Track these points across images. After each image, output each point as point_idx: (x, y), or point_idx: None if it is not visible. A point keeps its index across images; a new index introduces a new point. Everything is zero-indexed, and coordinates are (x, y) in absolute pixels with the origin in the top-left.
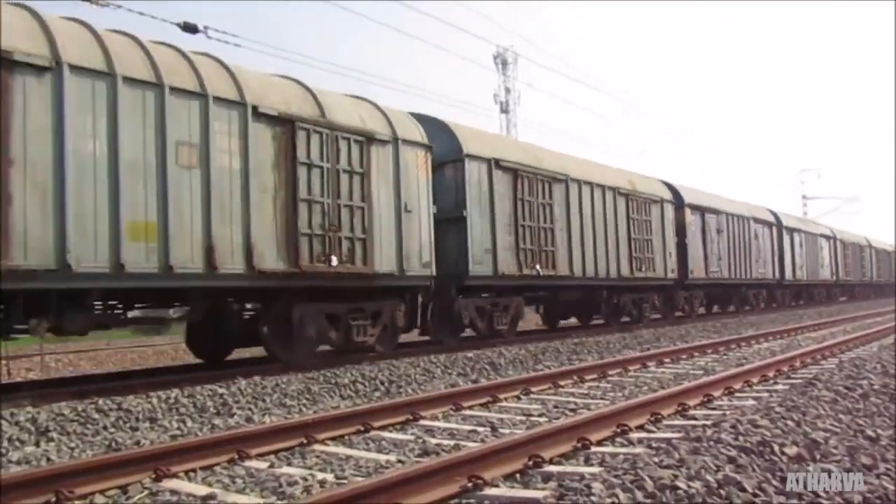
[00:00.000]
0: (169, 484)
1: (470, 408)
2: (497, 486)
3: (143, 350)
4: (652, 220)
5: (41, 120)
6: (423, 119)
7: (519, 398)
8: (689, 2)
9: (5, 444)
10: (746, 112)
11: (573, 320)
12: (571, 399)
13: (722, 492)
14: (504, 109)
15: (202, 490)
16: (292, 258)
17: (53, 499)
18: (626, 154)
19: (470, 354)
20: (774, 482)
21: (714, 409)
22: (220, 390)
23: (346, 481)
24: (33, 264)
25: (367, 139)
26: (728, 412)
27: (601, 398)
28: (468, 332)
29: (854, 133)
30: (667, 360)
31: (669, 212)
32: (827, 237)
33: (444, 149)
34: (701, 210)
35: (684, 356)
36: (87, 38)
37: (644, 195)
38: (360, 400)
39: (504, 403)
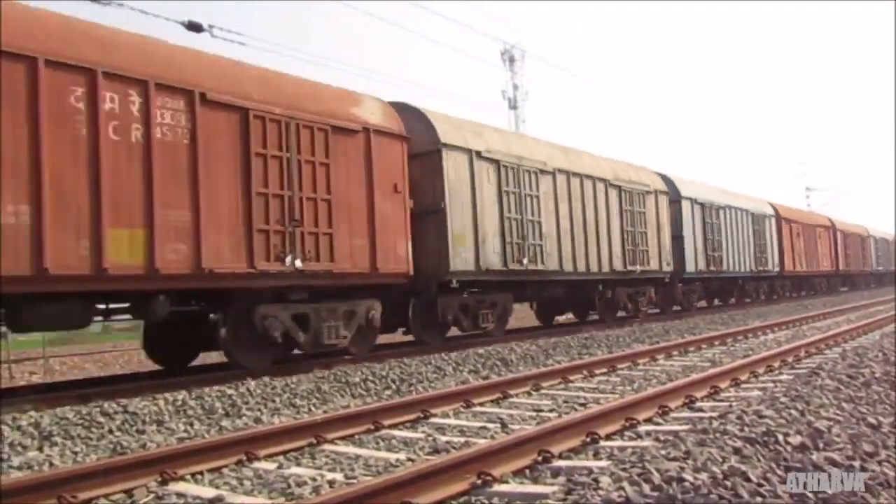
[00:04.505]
0: (176, 487)
1: (481, 404)
2: (506, 482)
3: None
4: (764, 231)
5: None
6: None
7: (529, 394)
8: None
9: (6, 449)
10: (745, 105)
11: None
12: (581, 393)
13: (727, 483)
14: (512, 106)
15: (209, 492)
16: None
17: None
18: (630, 150)
19: (481, 351)
20: (779, 472)
21: (721, 400)
22: (229, 391)
23: (355, 481)
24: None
25: (652, 192)
26: (734, 403)
27: (610, 392)
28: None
29: (850, 123)
30: (675, 352)
31: (773, 223)
32: (864, 236)
33: (673, 194)
34: (791, 221)
35: (692, 348)
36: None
37: (759, 213)
38: (371, 398)
39: (514, 399)
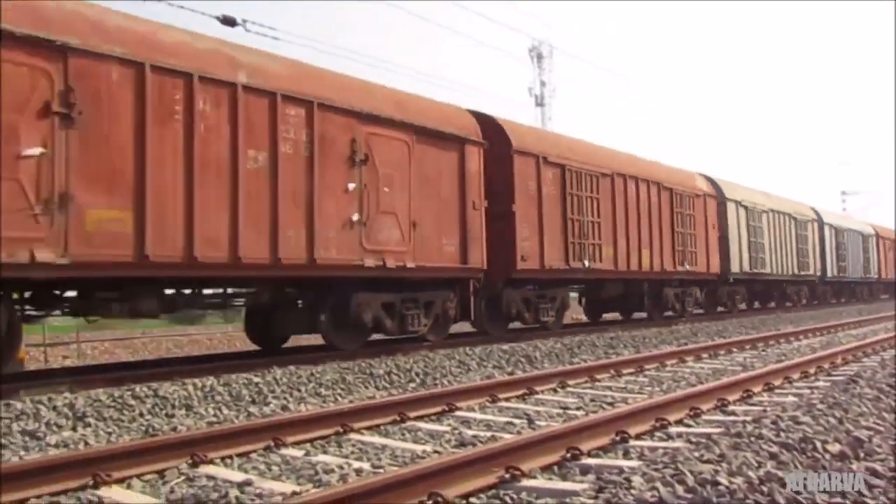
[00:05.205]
0: (205, 469)
1: (506, 400)
2: (535, 477)
3: (179, 339)
4: (869, 247)
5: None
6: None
7: (555, 391)
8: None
9: (43, 427)
10: (779, 106)
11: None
12: (609, 392)
13: (764, 488)
14: (539, 103)
15: (238, 476)
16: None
17: (91, 482)
18: (664, 150)
19: (505, 347)
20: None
21: (754, 404)
22: (256, 379)
23: (382, 470)
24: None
25: (810, 221)
26: (768, 408)
27: (638, 392)
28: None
29: (875, 125)
30: (704, 355)
31: (874, 241)
32: None
33: (819, 220)
34: (884, 238)
35: (722, 351)
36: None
37: (866, 234)
38: (395, 390)
39: (540, 396)
